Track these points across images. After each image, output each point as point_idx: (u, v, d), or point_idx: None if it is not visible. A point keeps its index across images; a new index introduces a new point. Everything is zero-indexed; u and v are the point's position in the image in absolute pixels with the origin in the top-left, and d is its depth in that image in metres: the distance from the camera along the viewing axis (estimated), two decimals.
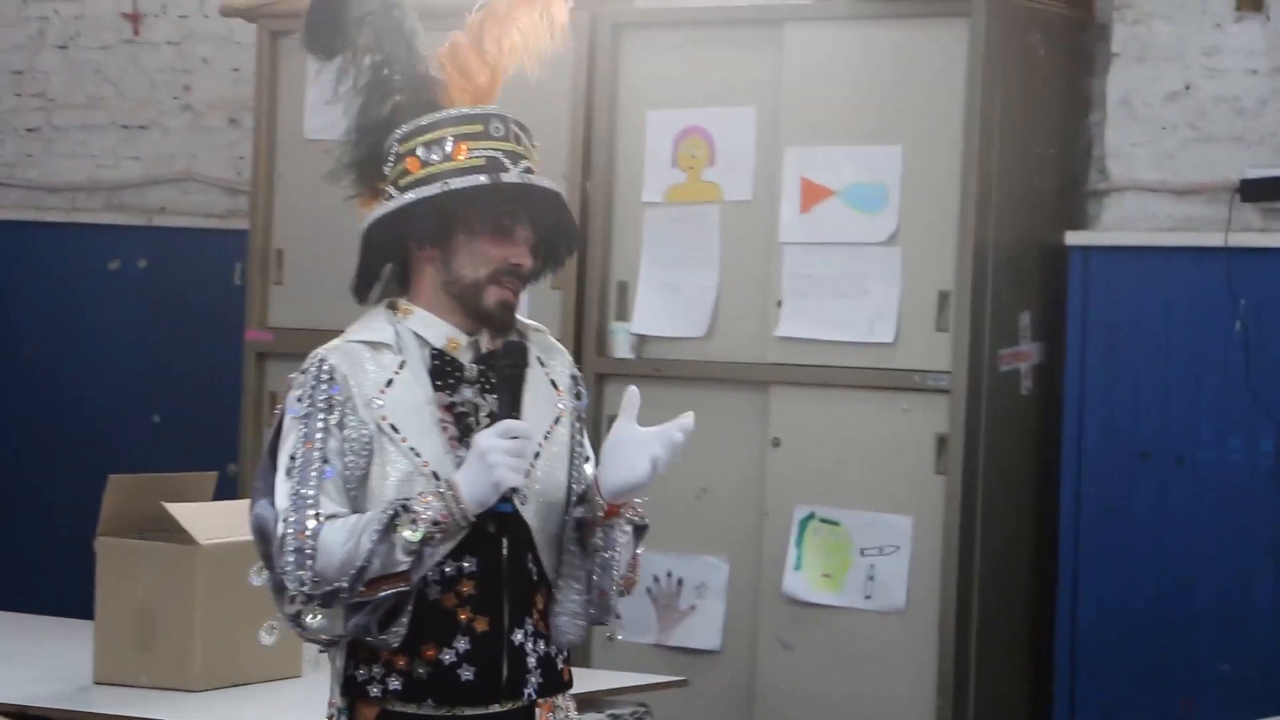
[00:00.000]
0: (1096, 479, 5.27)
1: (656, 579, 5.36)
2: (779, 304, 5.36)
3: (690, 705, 5.15)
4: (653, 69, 5.56)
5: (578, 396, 3.19)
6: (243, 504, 4.73)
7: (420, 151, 3.09)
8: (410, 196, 3.05)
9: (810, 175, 5.34)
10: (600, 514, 3.04)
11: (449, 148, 3.08)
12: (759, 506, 5.35)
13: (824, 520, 5.28)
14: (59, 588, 5.57)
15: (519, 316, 3.16)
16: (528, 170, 3.10)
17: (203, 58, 6.66)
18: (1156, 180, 5.33)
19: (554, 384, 3.15)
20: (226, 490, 5.60)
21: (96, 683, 4.29)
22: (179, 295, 6.60)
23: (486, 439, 2.96)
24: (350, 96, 3.21)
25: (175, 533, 4.28)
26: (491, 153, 3.09)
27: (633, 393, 3.03)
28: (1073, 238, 5.37)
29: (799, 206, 5.35)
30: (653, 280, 5.52)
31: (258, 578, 3.02)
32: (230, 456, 6.03)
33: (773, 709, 5.30)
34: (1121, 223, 5.37)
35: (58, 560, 6.15)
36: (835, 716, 5.23)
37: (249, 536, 4.32)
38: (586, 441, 3.20)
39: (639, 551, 3.12)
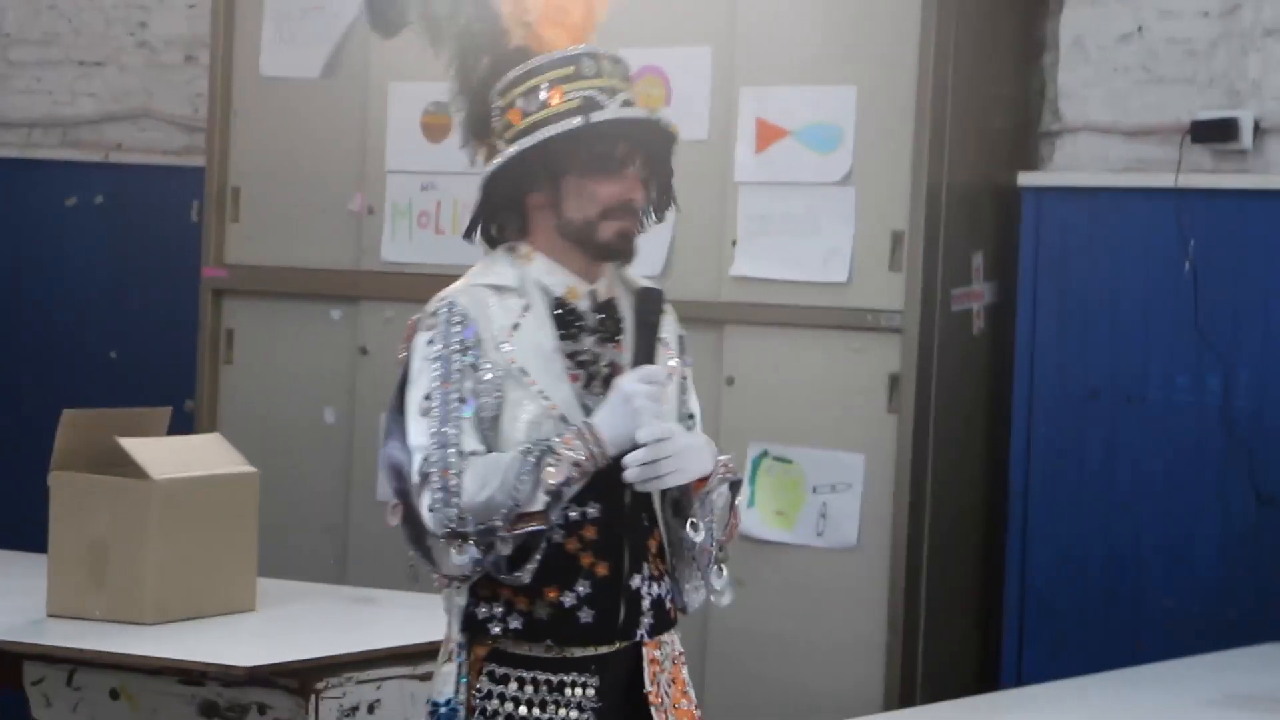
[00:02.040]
0: (1047, 418, 5.29)
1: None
2: (734, 243, 5.36)
3: None
4: (609, 8, 5.52)
5: (682, 348, 3.24)
6: (196, 439, 4.76)
7: (520, 102, 3.13)
8: (515, 149, 3.09)
9: (765, 115, 5.33)
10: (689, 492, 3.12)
11: (544, 95, 3.12)
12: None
13: (777, 458, 5.29)
14: (14, 522, 5.56)
15: (631, 274, 3.22)
16: (626, 103, 3.13)
17: None
18: (1108, 121, 5.33)
19: (664, 342, 3.18)
20: (183, 425, 5.59)
21: (50, 615, 4.27)
22: (135, 232, 6.58)
23: (630, 384, 3.03)
24: (447, 63, 3.23)
25: (129, 468, 4.27)
26: (586, 92, 3.11)
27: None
28: (1025, 178, 5.37)
29: (754, 146, 5.34)
30: None
31: (394, 517, 3.05)
32: (187, 392, 6.02)
33: (725, 646, 5.33)
34: (1073, 163, 5.38)
35: (13, 494, 6.13)
36: (787, 653, 5.25)
37: (203, 471, 4.36)
38: (692, 399, 3.26)
39: (737, 503, 3.20)
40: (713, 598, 3.23)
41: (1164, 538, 5.17)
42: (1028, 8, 5.49)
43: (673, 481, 3.06)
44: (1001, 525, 5.37)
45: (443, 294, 3.13)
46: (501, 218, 3.19)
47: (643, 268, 5.33)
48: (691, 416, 3.25)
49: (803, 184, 5.29)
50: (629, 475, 3.03)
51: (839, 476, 5.23)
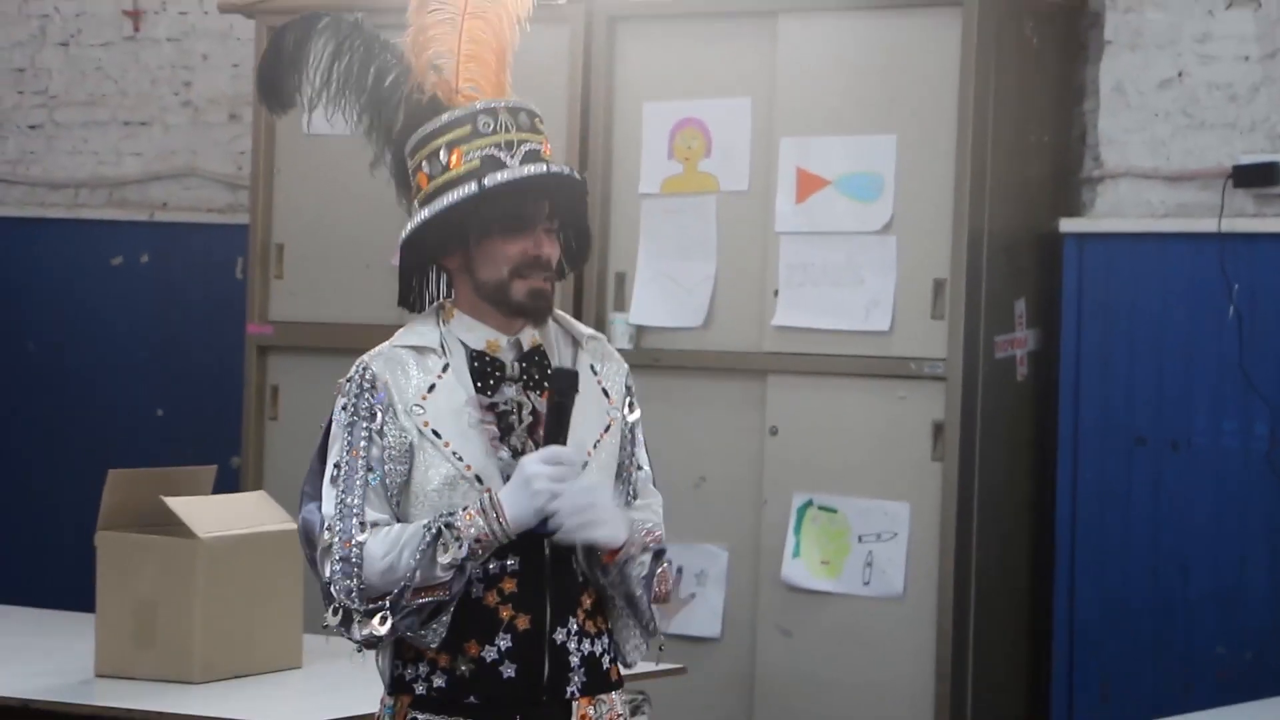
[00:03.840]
0: (1092, 464, 5.26)
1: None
2: (775, 293, 5.34)
3: (690, 693, 5.13)
4: (648, 61, 5.54)
5: (629, 408, 3.17)
6: (245, 497, 4.74)
7: (425, 166, 3.09)
8: (421, 216, 3.04)
9: (805, 165, 5.31)
10: (602, 560, 3.05)
11: (444, 157, 3.06)
12: (757, 495, 5.32)
13: (822, 508, 5.26)
14: (61, 582, 5.56)
15: (574, 322, 3.15)
16: (531, 154, 3.06)
17: (202, 54, 6.64)
18: (1150, 167, 5.30)
19: (605, 392, 3.13)
20: (230, 483, 5.58)
21: (98, 675, 4.28)
22: (181, 290, 6.59)
23: (532, 465, 2.96)
24: (360, 124, 3.19)
25: (175, 526, 4.27)
26: (486, 151, 3.05)
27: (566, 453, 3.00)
28: (1067, 225, 5.35)
29: (795, 196, 5.32)
30: (650, 271, 5.50)
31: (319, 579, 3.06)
32: (233, 449, 6.02)
33: (772, 696, 5.29)
34: (1115, 209, 5.35)
35: (63, 554, 6.13)
36: (834, 702, 5.21)
37: (248, 529, 4.35)
38: (640, 451, 3.19)
39: (662, 569, 3.10)
40: (636, 658, 3.14)
41: (1213, 584, 5.12)
42: (1067, 55, 5.47)
43: (582, 537, 2.97)
44: (1048, 572, 5.32)
45: (362, 357, 3.08)
46: (424, 280, 3.13)
47: (687, 318, 5.41)
48: (640, 468, 3.17)
49: (843, 233, 5.27)
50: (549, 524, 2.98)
51: (884, 525, 5.20)
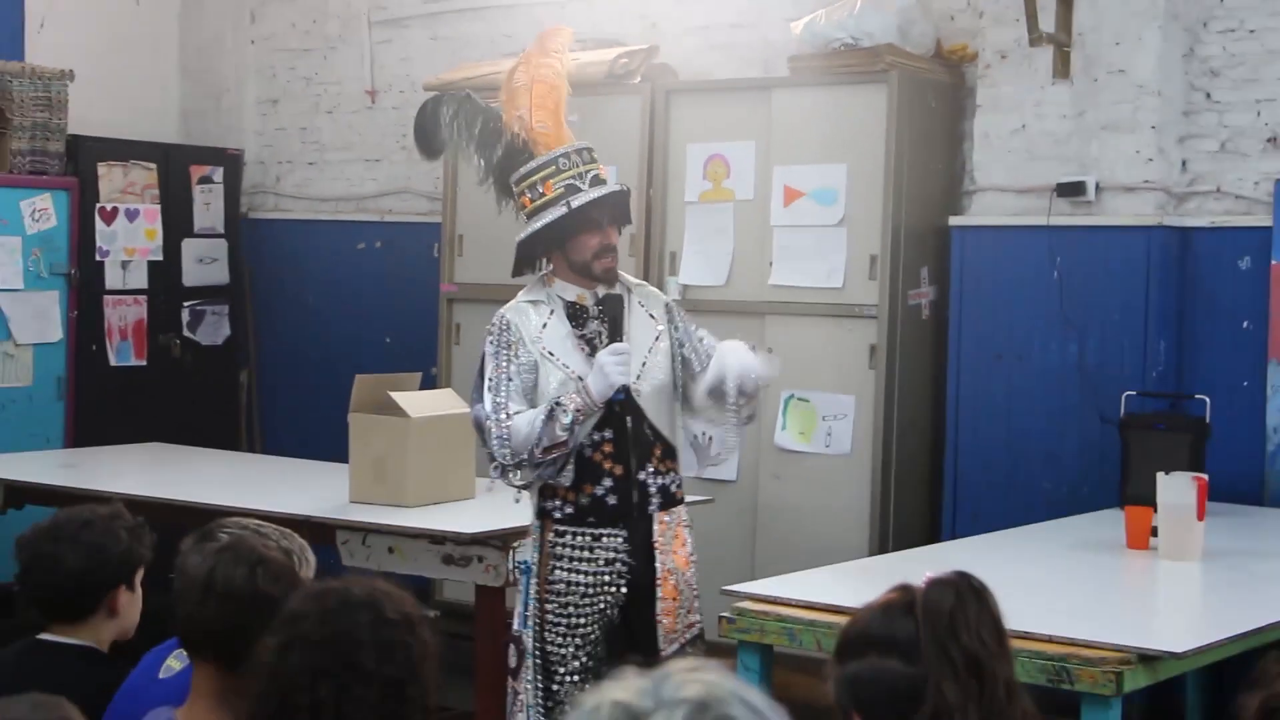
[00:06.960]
0: (969, 371, 5.28)
1: (695, 437, 5.41)
2: (771, 264, 5.39)
3: (716, 515, 5.23)
4: (692, 117, 5.59)
5: (669, 315, 3.29)
6: (439, 392, 4.84)
7: (528, 193, 3.21)
8: (530, 229, 3.20)
9: (790, 183, 5.35)
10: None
11: (540, 189, 3.18)
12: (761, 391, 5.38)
13: (799, 399, 5.33)
14: (330, 444, 5.69)
15: (628, 277, 3.30)
16: (596, 178, 3.16)
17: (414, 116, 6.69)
18: (1005, 184, 5.30)
19: (651, 315, 3.26)
20: (429, 383, 5.68)
21: (351, 502, 4.38)
22: (400, 263, 6.66)
23: (601, 355, 3.12)
24: (474, 156, 3.29)
25: (396, 410, 4.36)
26: (567, 180, 3.17)
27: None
28: (954, 220, 5.36)
29: (783, 203, 5.36)
30: (692, 250, 5.56)
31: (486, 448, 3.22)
32: (432, 362, 6.10)
33: (768, 518, 5.38)
34: (984, 211, 5.35)
35: (329, 426, 6.27)
36: (806, 521, 5.29)
37: (441, 412, 4.46)
38: (693, 329, 3.30)
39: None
40: (737, 435, 3.25)
41: (1043, 445, 5.13)
42: (954, 113, 5.48)
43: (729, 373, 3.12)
44: (941, 439, 5.36)
45: (500, 310, 3.24)
46: (533, 263, 3.27)
47: (715, 279, 5.47)
48: (703, 339, 3.28)
49: (813, 226, 5.30)
50: (748, 382, 3.15)
51: (839, 410, 5.25)
